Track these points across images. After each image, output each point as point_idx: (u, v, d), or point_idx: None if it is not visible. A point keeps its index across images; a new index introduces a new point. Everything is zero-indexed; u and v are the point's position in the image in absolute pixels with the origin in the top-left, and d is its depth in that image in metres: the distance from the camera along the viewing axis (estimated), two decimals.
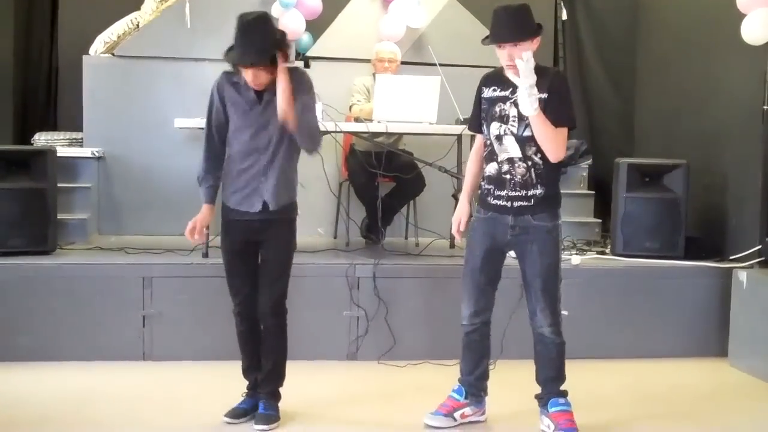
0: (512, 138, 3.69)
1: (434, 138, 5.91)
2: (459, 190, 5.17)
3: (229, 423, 3.87)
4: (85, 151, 6.23)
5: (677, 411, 4.33)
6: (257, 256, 3.90)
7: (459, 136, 5.62)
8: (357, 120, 5.79)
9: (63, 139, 6.40)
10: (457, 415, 3.96)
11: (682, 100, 6.44)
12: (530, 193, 3.71)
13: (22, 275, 4.87)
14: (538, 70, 3.62)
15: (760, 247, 5.24)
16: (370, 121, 5.58)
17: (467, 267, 3.89)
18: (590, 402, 4.30)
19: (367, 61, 6.20)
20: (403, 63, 6.19)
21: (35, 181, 5.17)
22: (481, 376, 3.99)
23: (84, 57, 6.48)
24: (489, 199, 3.79)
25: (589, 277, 5.27)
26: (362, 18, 6.74)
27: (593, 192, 6.78)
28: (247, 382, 4.01)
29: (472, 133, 4.04)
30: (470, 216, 3.95)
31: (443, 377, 4.43)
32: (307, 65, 6.53)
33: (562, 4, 7.73)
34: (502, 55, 3.67)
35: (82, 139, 6.40)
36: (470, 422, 3.98)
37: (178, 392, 3.90)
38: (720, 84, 5.87)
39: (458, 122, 5.61)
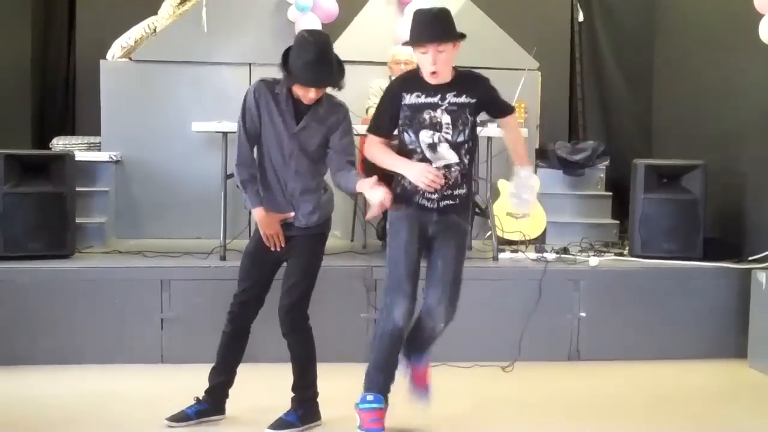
0: (447, 145, 3.64)
1: None
2: (474, 192, 5.16)
3: (169, 426, 3.82)
4: (103, 155, 6.28)
5: (695, 413, 4.30)
6: (277, 266, 3.89)
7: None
8: None
9: (81, 144, 6.45)
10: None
11: (699, 100, 6.41)
12: (456, 192, 3.67)
13: (41, 279, 4.90)
14: (462, 76, 3.70)
15: None
16: None
17: (403, 262, 3.63)
18: (608, 403, 4.29)
19: (384, 63, 6.19)
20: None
21: (54, 186, 5.20)
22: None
23: (101, 62, 6.53)
24: (415, 198, 3.67)
25: (607, 278, 5.25)
26: (378, 21, 6.75)
27: (611, 193, 6.77)
28: (207, 386, 3.93)
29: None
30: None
31: (460, 379, 4.42)
32: None
33: (578, 5, 7.72)
34: (424, 60, 3.59)
35: (99, 143, 6.45)
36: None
37: (196, 394, 3.92)
38: (738, 84, 5.84)
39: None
